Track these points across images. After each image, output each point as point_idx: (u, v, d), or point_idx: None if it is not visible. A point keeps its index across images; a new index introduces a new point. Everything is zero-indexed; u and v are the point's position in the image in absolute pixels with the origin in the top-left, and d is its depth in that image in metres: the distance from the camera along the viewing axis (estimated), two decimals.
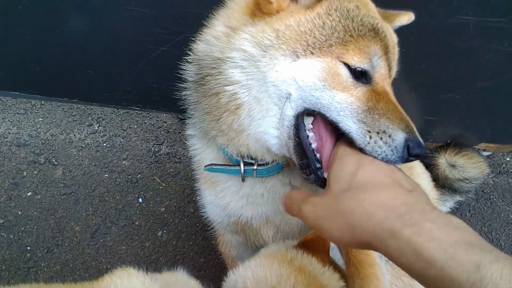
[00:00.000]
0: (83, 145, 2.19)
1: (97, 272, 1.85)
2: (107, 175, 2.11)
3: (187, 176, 2.14)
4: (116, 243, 1.95)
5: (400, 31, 1.46)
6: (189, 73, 1.02)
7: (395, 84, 0.94)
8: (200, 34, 1.00)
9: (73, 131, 2.23)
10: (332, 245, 1.11)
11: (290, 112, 0.86)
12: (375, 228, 0.64)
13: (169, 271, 0.95)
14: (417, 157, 0.82)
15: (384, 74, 0.87)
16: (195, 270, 1.91)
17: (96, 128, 2.24)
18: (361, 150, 0.81)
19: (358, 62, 0.82)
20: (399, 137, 0.80)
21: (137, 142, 2.21)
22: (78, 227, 1.98)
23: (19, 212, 1.99)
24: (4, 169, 2.10)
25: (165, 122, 2.28)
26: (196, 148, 1.15)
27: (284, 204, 0.85)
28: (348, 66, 0.82)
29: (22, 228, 1.95)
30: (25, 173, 2.09)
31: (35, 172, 2.10)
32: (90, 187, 2.08)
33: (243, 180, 1.03)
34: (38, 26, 1.61)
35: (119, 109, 2.28)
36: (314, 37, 0.83)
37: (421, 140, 0.82)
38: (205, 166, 1.07)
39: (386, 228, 0.63)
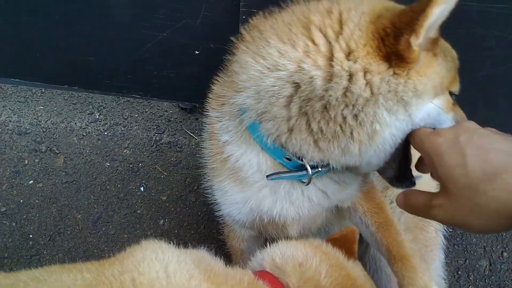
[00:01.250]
0: (84, 134, 2.19)
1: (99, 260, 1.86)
2: (108, 164, 2.11)
3: (189, 165, 2.14)
4: (118, 231, 1.96)
5: None
6: (283, 90, 0.93)
7: None
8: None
9: (74, 120, 2.22)
10: None
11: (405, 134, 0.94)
12: None
13: (194, 248, 0.92)
14: None
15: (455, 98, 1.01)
16: None
17: (97, 116, 2.24)
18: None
19: (457, 90, 0.99)
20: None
21: (138, 131, 2.21)
22: (80, 215, 1.98)
23: (21, 200, 1.99)
24: (6, 157, 2.10)
25: (166, 111, 2.28)
26: (233, 153, 1.11)
27: (403, 205, 0.91)
28: (451, 92, 0.97)
29: (24, 216, 1.96)
30: (26, 161, 2.09)
31: (37, 160, 2.10)
32: (91, 175, 2.08)
33: (308, 183, 1.05)
34: (38, 13, 1.60)
35: (120, 98, 2.28)
36: (446, 79, 0.92)
37: None
38: (267, 176, 1.05)
39: None
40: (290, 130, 0.97)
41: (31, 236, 1.91)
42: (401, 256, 1.17)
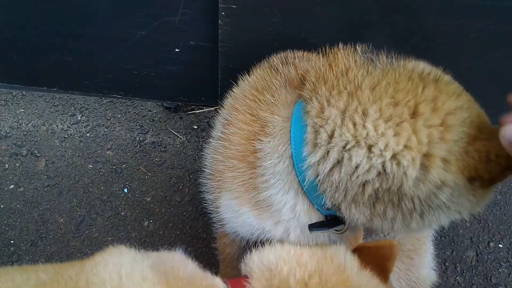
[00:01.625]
0: (66, 136, 2.15)
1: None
2: (91, 166, 2.07)
3: (173, 165, 2.11)
4: (102, 234, 1.92)
5: (384, 8, 1.43)
6: (367, 172, 0.86)
7: None
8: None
9: (55, 122, 2.18)
10: None
11: None
12: None
13: (167, 250, 0.92)
14: None
15: None
16: None
17: (79, 118, 2.20)
18: None
19: None
20: None
21: (121, 131, 2.17)
22: (62, 219, 1.94)
23: (2, 206, 1.95)
24: None
25: (149, 111, 2.24)
26: (269, 188, 1.06)
27: None
28: None
29: (5, 222, 1.91)
30: (7, 166, 2.05)
31: (17, 164, 2.06)
32: (73, 178, 2.04)
33: (344, 232, 1.06)
34: (14, 12, 1.56)
35: (102, 98, 2.24)
36: None
37: None
38: (310, 228, 1.04)
39: None
40: (352, 201, 0.93)
41: (12, 242, 1.87)
42: None
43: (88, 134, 2.15)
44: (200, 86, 1.76)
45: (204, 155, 1.36)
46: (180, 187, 2.06)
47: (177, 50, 1.59)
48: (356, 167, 0.85)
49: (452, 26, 1.43)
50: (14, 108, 2.21)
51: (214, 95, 1.75)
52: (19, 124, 2.16)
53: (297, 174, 0.99)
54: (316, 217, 1.06)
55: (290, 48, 1.53)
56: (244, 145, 1.11)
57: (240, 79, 1.28)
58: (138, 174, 2.07)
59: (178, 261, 0.85)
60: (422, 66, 1.00)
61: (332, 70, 0.96)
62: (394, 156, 0.81)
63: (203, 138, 2.19)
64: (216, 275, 0.93)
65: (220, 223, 1.31)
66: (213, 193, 1.24)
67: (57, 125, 2.17)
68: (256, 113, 1.09)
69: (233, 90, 1.24)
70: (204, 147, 2.17)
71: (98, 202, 1.99)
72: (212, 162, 1.21)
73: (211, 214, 1.34)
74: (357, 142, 0.83)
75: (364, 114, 0.83)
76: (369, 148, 0.82)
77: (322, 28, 1.46)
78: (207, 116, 2.25)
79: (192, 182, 2.08)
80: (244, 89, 1.18)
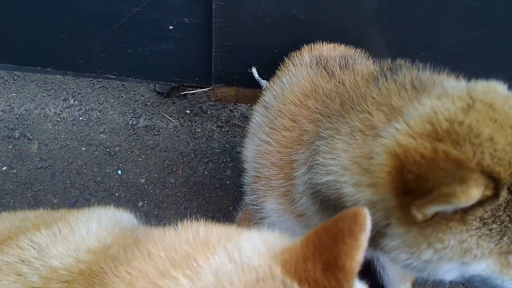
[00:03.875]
0: (58, 119, 2.15)
1: None
2: (84, 148, 2.08)
3: (167, 148, 2.13)
4: None
5: None
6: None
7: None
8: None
9: (48, 106, 2.19)
10: None
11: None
12: None
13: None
14: None
15: None
16: None
17: (72, 102, 2.21)
18: None
19: None
20: None
21: (114, 115, 2.19)
22: (56, 200, 1.95)
23: None
24: None
25: (142, 96, 2.26)
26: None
27: None
28: None
29: None
30: None
31: (10, 147, 2.06)
32: (67, 160, 2.04)
33: None
34: None
35: (95, 83, 2.25)
36: (481, 247, 0.77)
37: None
38: None
39: None
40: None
41: None
42: None
43: (81, 118, 2.17)
44: (194, 66, 1.79)
45: (242, 152, 1.38)
46: (174, 169, 2.08)
47: (171, 27, 1.62)
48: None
49: (437, 3, 1.48)
50: (6, 92, 2.21)
51: (208, 75, 1.78)
52: (11, 108, 2.16)
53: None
54: None
55: (281, 24, 1.57)
56: (284, 154, 1.14)
57: (284, 75, 1.27)
58: (131, 156, 2.09)
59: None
60: None
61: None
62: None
63: (196, 122, 2.21)
64: None
65: (259, 219, 1.31)
66: (257, 195, 1.26)
67: (49, 109, 2.18)
68: (298, 119, 1.11)
69: (282, 90, 1.23)
70: (198, 133, 2.20)
71: (92, 183, 1.99)
72: (257, 165, 1.23)
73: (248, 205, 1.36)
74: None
75: None
76: None
77: (313, 5, 1.51)
78: (199, 101, 2.27)
79: (186, 164, 2.10)
80: (294, 90, 1.18)
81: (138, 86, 2.28)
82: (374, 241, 0.87)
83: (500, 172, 0.73)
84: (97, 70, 1.80)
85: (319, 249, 0.57)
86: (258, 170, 1.23)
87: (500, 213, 0.74)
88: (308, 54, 1.33)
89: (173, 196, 2.01)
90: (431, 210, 0.73)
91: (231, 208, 1.95)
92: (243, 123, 2.22)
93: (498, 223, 0.74)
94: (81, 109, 2.19)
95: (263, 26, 1.53)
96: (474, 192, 0.68)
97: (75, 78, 2.24)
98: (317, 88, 1.10)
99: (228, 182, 2.05)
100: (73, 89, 2.26)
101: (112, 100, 2.24)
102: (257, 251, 0.62)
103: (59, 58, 1.78)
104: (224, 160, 2.12)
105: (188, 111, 2.25)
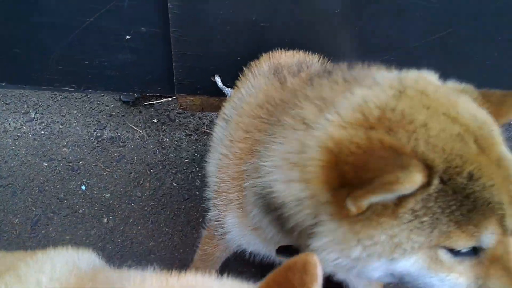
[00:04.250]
0: (19, 134, 2.07)
1: None
2: (46, 164, 2.00)
3: (133, 160, 2.06)
4: (59, 233, 1.85)
5: None
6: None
7: None
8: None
9: (7, 120, 2.10)
10: None
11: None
12: None
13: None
14: None
15: (497, 240, 0.76)
16: (144, 254, 1.84)
17: (33, 115, 2.12)
18: None
19: (461, 246, 0.75)
20: None
21: (77, 127, 2.11)
22: (17, 220, 1.86)
23: None
24: None
25: (107, 106, 2.19)
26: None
27: None
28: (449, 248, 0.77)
29: None
30: None
31: None
32: (28, 177, 1.96)
33: None
34: None
35: (57, 95, 2.17)
36: (412, 241, 0.74)
37: None
38: (277, 251, 1.04)
39: None
40: None
41: None
42: None
43: (42, 132, 2.08)
44: (155, 75, 1.73)
45: (206, 166, 1.35)
46: (141, 182, 2.02)
47: (128, 37, 1.55)
48: None
49: (396, 5, 1.45)
50: None
51: (171, 84, 1.72)
52: None
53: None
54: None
55: (241, 32, 1.53)
56: (238, 166, 1.10)
57: (243, 85, 1.24)
58: (96, 170, 2.01)
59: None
60: None
61: None
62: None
63: (163, 131, 2.15)
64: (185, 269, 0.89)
65: (221, 235, 1.28)
66: (219, 210, 1.23)
67: (9, 124, 2.09)
68: (250, 130, 1.07)
69: (241, 102, 1.20)
70: (165, 142, 2.14)
71: (55, 200, 1.92)
72: (217, 179, 1.19)
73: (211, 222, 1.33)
74: None
75: None
76: None
77: (273, 11, 1.47)
78: (167, 109, 2.21)
79: (153, 176, 2.04)
80: (250, 102, 1.14)
81: (102, 96, 2.21)
82: (301, 241, 0.84)
83: (434, 159, 0.71)
84: (54, 83, 1.73)
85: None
86: (218, 184, 1.19)
87: (432, 204, 0.71)
88: (266, 63, 1.29)
89: (140, 210, 1.94)
90: (370, 200, 0.69)
91: (200, 220, 1.89)
92: (213, 131, 2.17)
93: (430, 215, 0.71)
94: (43, 122, 2.11)
95: (223, 33, 1.48)
96: (417, 177, 0.66)
97: (35, 91, 2.16)
98: (269, 98, 1.07)
99: (197, 193, 1.99)
100: (34, 101, 2.17)
101: (75, 112, 2.16)
102: None
103: (14, 72, 1.70)
104: (193, 170, 2.07)
105: (155, 120, 2.19)
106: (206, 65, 1.62)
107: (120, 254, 1.84)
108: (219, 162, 1.19)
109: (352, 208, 0.71)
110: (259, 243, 1.16)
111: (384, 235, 0.73)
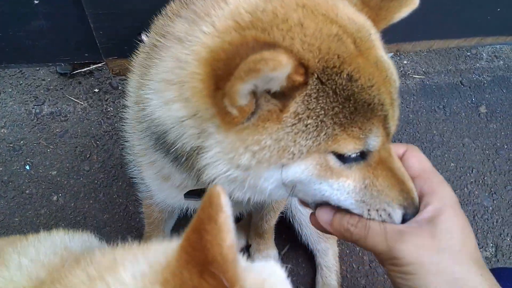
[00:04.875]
0: None
1: None
2: None
3: (77, 133, 1.97)
4: (8, 216, 1.79)
5: None
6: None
7: None
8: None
9: None
10: None
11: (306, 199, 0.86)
12: None
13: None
14: None
15: (381, 142, 0.77)
16: (99, 227, 1.80)
17: None
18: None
19: (352, 150, 0.74)
20: (397, 214, 0.80)
21: (14, 106, 2.00)
22: None
23: None
24: None
25: (43, 80, 2.07)
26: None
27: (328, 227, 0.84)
28: (338, 154, 0.75)
29: None
30: None
31: None
32: None
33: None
34: None
35: None
36: (298, 145, 0.72)
37: (417, 206, 0.82)
38: (184, 195, 1.02)
39: None
40: None
41: None
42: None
43: None
44: (77, 42, 1.62)
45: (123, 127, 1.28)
46: (88, 155, 1.94)
47: (36, 1, 1.43)
48: None
49: None
50: None
51: (96, 48, 1.61)
52: None
53: None
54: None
55: None
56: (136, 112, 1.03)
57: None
58: (39, 148, 1.93)
59: None
60: None
61: None
62: None
63: (106, 101, 2.05)
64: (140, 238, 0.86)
65: (147, 195, 1.26)
66: (135, 166, 1.20)
67: None
68: (143, 72, 0.96)
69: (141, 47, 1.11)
70: (110, 112, 2.05)
71: None
72: (127, 134, 1.14)
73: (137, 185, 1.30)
74: None
75: None
76: None
77: None
78: (108, 77, 2.10)
79: (100, 148, 1.96)
80: (145, 43, 1.04)
81: (37, 70, 2.09)
82: (191, 170, 0.81)
83: (309, 59, 0.69)
84: None
85: (191, 253, 0.51)
86: (129, 138, 1.14)
87: (313, 106, 0.70)
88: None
89: (90, 184, 1.88)
90: (240, 89, 0.65)
91: None
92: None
93: (313, 118, 0.71)
94: None
95: None
96: (283, 57, 0.61)
97: None
98: (158, 32, 1.00)
99: None
100: None
101: (10, 90, 2.04)
102: (139, 276, 0.56)
103: None
104: None
105: (96, 90, 2.08)
106: (128, 23, 1.51)
107: (74, 231, 1.79)
108: (127, 115, 1.13)
109: (231, 109, 0.68)
110: (176, 193, 1.11)
111: (270, 140, 0.72)
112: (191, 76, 0.72)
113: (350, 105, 0.71)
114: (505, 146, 2.22)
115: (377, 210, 0.80)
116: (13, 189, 1.84)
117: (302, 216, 1.61)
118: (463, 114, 2.28)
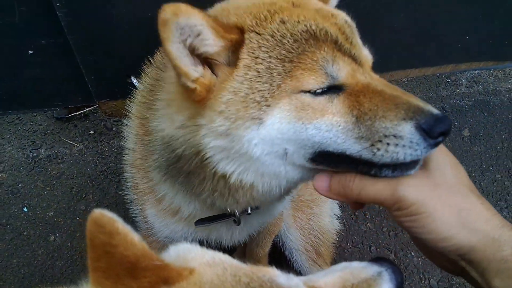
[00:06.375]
0: None
1: None
2: None
3: (73, 175, 2.04)
4: (6, 258, 1.84)
5: None
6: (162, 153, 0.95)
7: None
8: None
9: None
10: None
11: (303, 162, 0.81)
12: (489, 232, 0.69)
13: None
14: (444, 134, 0.72)
15: (351, 69, 0.77)
16: None
17: None
18: (383, 165, 0.74)
19: (315, 83, 0.75)
20: (406, 129, 0.71)
21: (12, 151, 2.09)
22: None
23: None
24: None
25: (40, 125, 2.16)
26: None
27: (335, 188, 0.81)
28: (309, 91, 0.75)
29: None
30: None
31: None
32: None
33: (238, 224, 1.06)
34: None
35: None
36: (258, 91, 0.76)
37: (435, 111, 0.72)
38: (196, 222, 1.07)
39: (500, 238, 0.69)
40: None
41: None
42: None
43: None
44: (70, 87, 1.72)
45: (122, 167, 1.36)
46: (84, 195, 2.00)
47: (30, 52, 1.54)
48: None
49: None
50: None
51: (88, 92, 1.71)
52: None
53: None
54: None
55: (141, 29, 1.51)
56: (139, 152, 1.13)
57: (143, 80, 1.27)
58: (36, 190, 2.00)
59: None
60: None
61: None
62: None
63: (101, 141, 2.14)
64: None
65: (149, 232, 1.29)
66: (137, 205, 1.26)
67: None
68: (144, 115, 1.10)
69: (136, 95, 1.23)
70: (105, 152, 2.13)
71: None
72: (130, 174, 1.22)
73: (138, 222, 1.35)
74: None
75: None
76: None
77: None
78: (103, 119, 2.19)
79: (96, 187, 2.02)
80: (141, 90, 1.17)
81: (35, 116, 2.18)
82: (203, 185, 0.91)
83: (242, 22, 0.79)
84: None
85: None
86: (131, 179, 1.21)
87: (258, 53, 0.76)
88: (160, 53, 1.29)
89: (86, 223, 1.93)
90: (173, 50, 0.72)
91: None
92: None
93: (262, 63, 0.76)
94: None
95: (122, 33, 1.47)
96: (183, 5, 0.69)
97: None
98: (153, 80, 1.11)
99: None
100: None
101: (8, 136, 2.13)
102: None
103: None
104: None
105: (92, 132, 2.17)
106: (117, 68, 1.61)
107: (71, 269, 1.83)
108: (128, 157, 1.21)
109: (191, 84, 0.76)
110: (182, 229, 1.18)
111: (229, 94, 0.77)
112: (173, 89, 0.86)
113: (289, 40, 0.76)
114: (491, 168, 2.27)
115: (381, 141, 0.72)
116: (11, 231, 1.89)
117: (291, 243, 1.65)
118: (447, 138, 2.34)
